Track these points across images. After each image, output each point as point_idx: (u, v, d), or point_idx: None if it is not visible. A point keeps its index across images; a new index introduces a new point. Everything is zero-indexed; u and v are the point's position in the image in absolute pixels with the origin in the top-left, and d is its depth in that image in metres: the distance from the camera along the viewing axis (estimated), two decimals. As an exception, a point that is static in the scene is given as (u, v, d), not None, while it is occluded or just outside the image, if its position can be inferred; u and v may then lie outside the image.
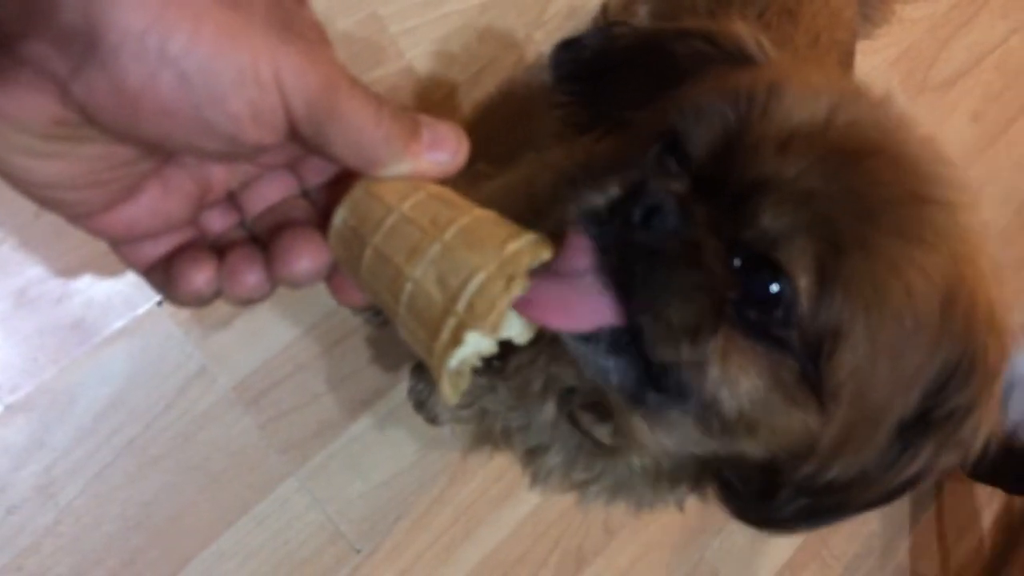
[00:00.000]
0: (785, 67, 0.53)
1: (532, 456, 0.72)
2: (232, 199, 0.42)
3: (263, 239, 0.41)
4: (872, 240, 0.43)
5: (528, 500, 1.16)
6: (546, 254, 0.39)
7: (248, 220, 0.42)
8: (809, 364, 0.45)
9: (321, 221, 0.40)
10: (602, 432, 0.61)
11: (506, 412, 0.70)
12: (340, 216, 0.39)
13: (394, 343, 1.07)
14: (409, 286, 0.37)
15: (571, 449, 0.67)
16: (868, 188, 0.44)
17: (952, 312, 0.45)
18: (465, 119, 1.14)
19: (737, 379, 0.45)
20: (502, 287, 0.36)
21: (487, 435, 0.78)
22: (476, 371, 0.38)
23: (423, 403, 1.05)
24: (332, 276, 0.41)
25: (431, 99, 1.12)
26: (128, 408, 0.92)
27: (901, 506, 1.56)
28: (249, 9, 0.32)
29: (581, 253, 0.43)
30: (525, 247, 0.38)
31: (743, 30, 0.56)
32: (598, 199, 0.45)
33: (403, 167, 0.38)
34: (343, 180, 0.40)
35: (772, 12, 0.87)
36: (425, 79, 1.12)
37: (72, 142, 0.32)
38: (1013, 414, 1.35)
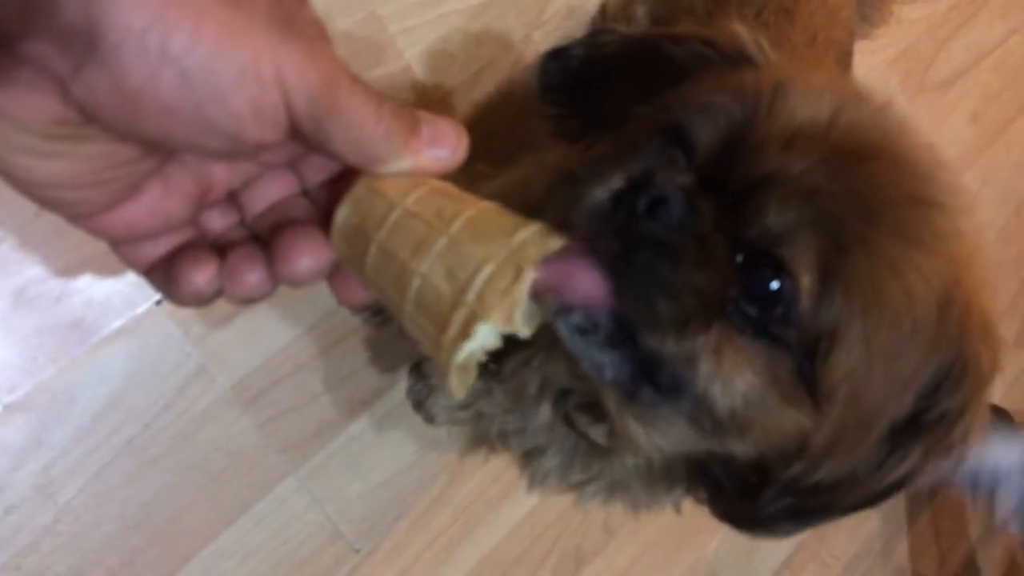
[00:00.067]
0: (787, 68, 0.53)
1: (529, 458, 0.72)
2: (233, 198, 0.42)
3: (264, 238, 0.41)
4: (873, 240, 0.43)
5: (527, 500, 1.16)
6: (554, 244, 0.39)
7: (249, 219, 0.42)
8: (806, 363, 0.45)
9: (322, 219, 0.40)
10: (597, 433, 0.61)
11: (502, 415, 0.71)
12: (342, 214, 0.39)
13: (393, 343, 1.07)
14: (416, 281, 0.37)
15: (568, 451, 0.67)
16: (869, 189, 0.44)
17: (948, 316, 0.45)
18: (464, 119, 1.14)
19: (731, 375, 0.45)
20: (511, 278, 0.36)
21: (483, 437, 0.79)
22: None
23: (422, 403, 1.05)
24: (333, 275, 0.41)
25: (429, 99, 1.12)
26: (127, 408, 0.92)
27: (899, 505, 1.57)
28: (250, 7, 0.32)
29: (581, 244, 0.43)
30: (532, 237, 0.38)
31: (743, 32, 0.56)
32: (600, 192, 0.45)
33: (404, 163, 0.38)
34: (344, 178, 0.40)
35: (769, 11, 0.87)
36: (424, 79, 1.12)
37: (73, 141, 0.32)
38: (1002, 509, 1.38)
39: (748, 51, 0.55)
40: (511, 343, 0.40)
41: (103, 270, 0.90)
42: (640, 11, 1.09)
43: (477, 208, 0.38)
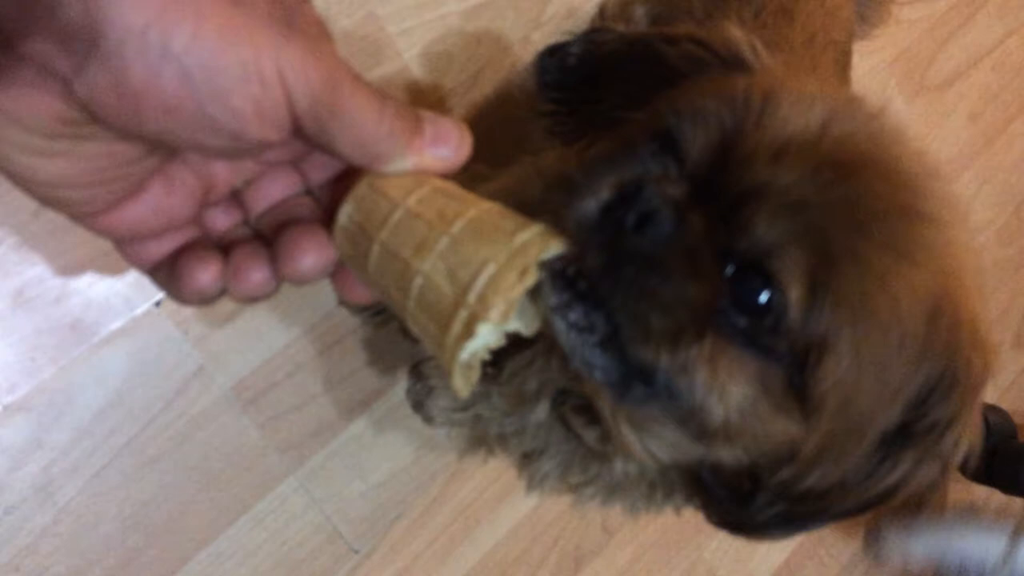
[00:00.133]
0: (780, 74, 0.53)
1: (527, 460, 0.72)
2: (236, 197, 0.42)
3: (267, 237, 0.41)
4: (862, 252, 0.43)
5: (526, 500, 1.16)
6: (555, 246, 0.39)
7: (252, 218, 0.42)
8: (796, 373, 0.45)
9: (325, 218, 0.40)
10: (590, 436, 0.61)
11: (500, 418, 0.71)
12: (345, 213, 0.39)
13: (392, 344, 1.07)
14: (419, 280, 0.37)
15: (566, 453, 0.67)
16: (860, 200, 0.44)
17: (937, 327, 0.46)
18: (462, 120, 1.14)
19: (725, 385, 0.45)
20: (514, 279, 0.36)
21: (482, 440, 0.79)
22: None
23: (421, 403, 1.05)
24: (336, 273, 0.41)
25: (428, 100, 1.12)
26: (126, 408, 0.92)
27: (898, 505, 1.56)
28: (251, 5, 0.32)
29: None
30: (534, 238, 0.38)
31: (738, 35, 0.56)
32: (590, 204, 0.45)
33: (406, 162, 0.38)
34: (347, 177, 0.40)
35: (768, 12, 0.87)
36: (422, 80, 1.12)
37: (75, 140, 0.32)
38: None
39: (742, 54, 0.55)
40: (512, 344, 0.40)
41: (102, 271, 0.90)
42: (639, 11, 1.09)
43: (479, 208, 0.38)
